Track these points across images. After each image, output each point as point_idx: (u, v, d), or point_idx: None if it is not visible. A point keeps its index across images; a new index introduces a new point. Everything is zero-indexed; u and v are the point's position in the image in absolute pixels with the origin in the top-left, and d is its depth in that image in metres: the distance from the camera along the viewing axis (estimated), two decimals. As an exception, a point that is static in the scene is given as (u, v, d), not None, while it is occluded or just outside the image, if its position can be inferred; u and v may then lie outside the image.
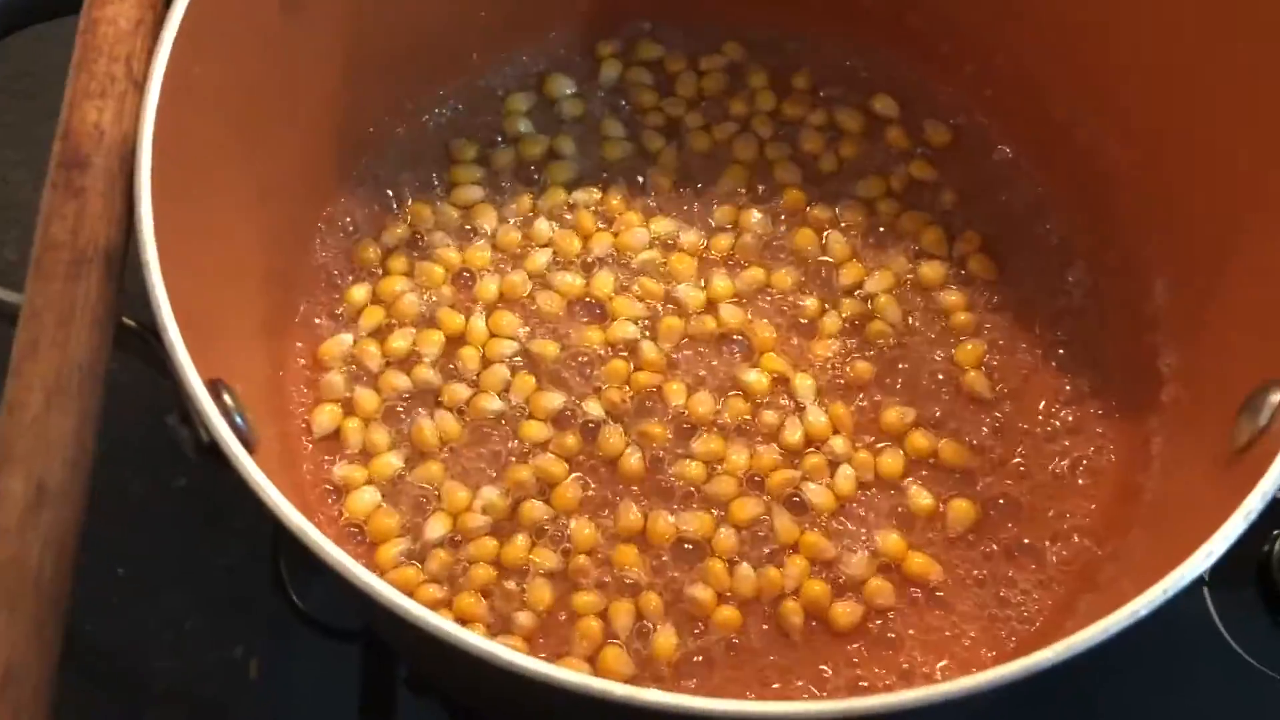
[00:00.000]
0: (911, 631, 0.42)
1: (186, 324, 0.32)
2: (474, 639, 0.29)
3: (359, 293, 0.48)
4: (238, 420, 0.32)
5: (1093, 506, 0.44)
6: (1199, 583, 0.47)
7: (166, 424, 0.33)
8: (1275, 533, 0.48)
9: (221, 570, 0.48)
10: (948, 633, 0.42)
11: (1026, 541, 0.44)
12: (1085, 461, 0.45)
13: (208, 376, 0.32)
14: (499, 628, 0.42)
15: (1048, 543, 0.44)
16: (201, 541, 0.49)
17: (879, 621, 0.43)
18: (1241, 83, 0.39)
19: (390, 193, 0.50)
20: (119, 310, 0.32)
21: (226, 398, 0.33)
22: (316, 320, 0.47)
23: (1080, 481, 0.45)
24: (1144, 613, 0.30)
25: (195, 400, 0.31)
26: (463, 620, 0.42)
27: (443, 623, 0.29)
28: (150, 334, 0.32)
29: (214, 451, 0.31)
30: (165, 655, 0.47)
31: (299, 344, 0.47)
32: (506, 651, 0.29)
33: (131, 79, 0.34)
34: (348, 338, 0.47)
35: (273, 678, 0.47)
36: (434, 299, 0.48)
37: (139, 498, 0.50)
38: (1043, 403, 0.46)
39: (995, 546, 0.44)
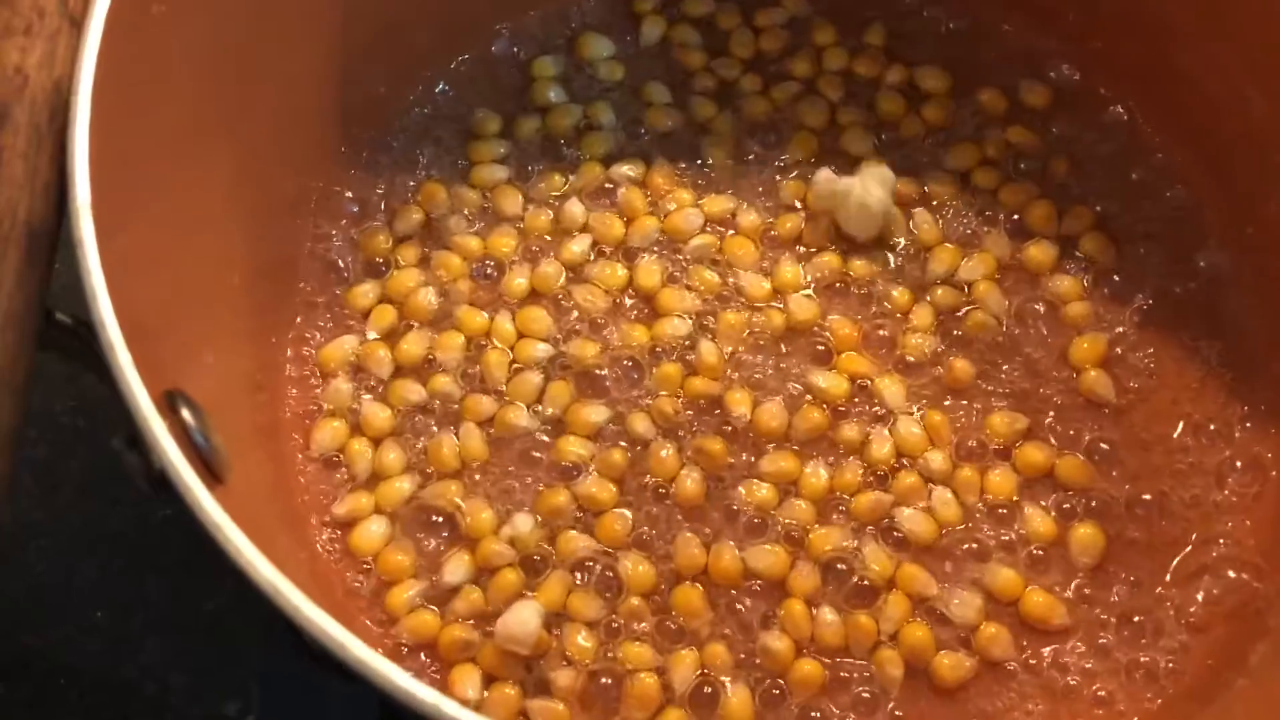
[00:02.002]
0: (1033, 688, 0.37)
1: (135, 321, 0.27)
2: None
3: (365, 288, 0.43)
4: (199, 440, 0.26)
5: (1248, 530, 0.39)
6: None
7: (113, 447, 0.27)
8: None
9: (209, 615, 0.44)
10: (1076, 689, 0.37)
11: (1168, 576, 0.39)
12: (1235, 477, 0.41)
13: (161, 387, 0.26)
14: (535, 689, 0.37)
15: (1195, 576, 0.39)
16: (187, 582, 0.45)
17: (993, 675, 0.37)
18: None
19: (401, 172, 0.45)
20: (45, 302, 0.26)
21: (185, 413, 0.26)
22: (316, 320, 0.43)
23: (1231, 501, 0.40)
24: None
25: (140, 415, 0.24)
26: (492, 677, 0.37)
27: (458, 710, 0.23)
28: (88, 332, 0.25)
29: (164, 483, 0.24)
30: (149, 713, 0.44)
31: (295, 348, 0.42)
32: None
33: (67, 14, 0.28)
34: (353, 340, 0.42)
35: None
36: (452, 295, 0.43)
37: (117, 532, 0.46)
38: (1179, 405, 0.42)
39: (1131, 581, 0.39)
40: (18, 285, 0.25)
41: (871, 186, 0.42)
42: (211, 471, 0.27)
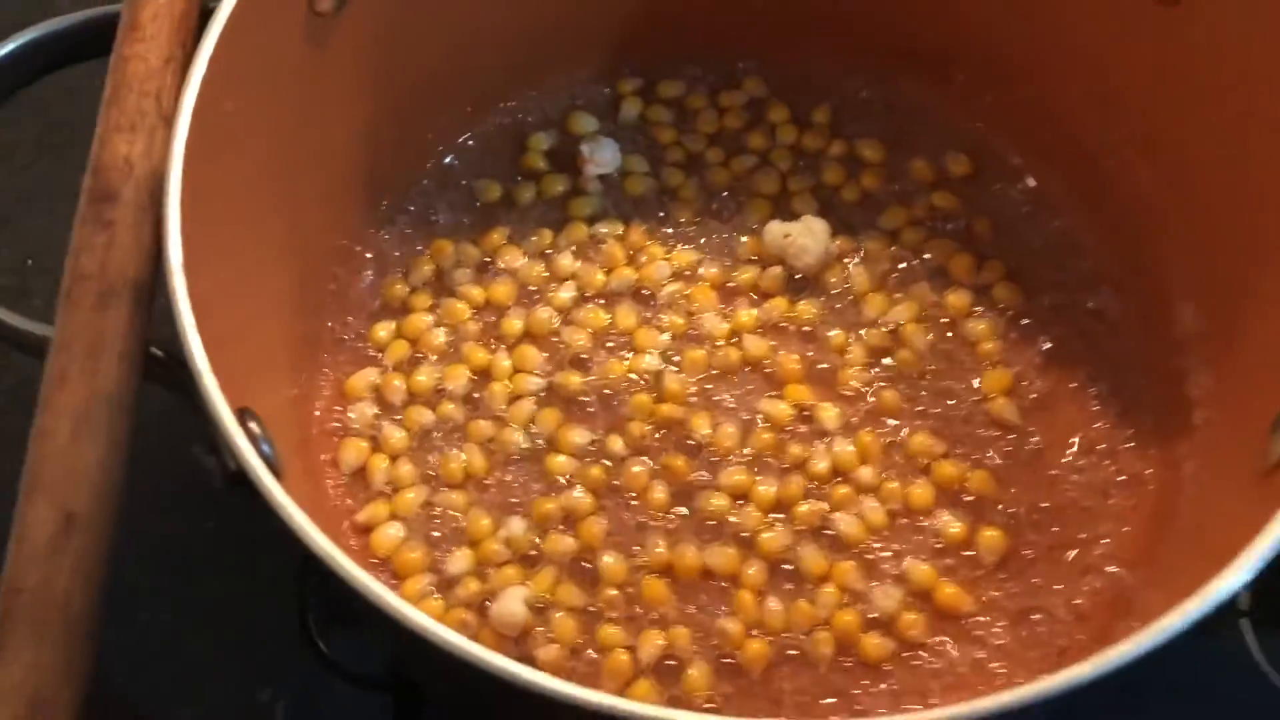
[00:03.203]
0: (944, 664, 0.42)
1: (214, 354, 0.32)
2: (499, 659, 0.29)
3: (385, 328, 0.48)
4: (264, 449, 0.32)
5: (1126, 532, 0.44)
6: (1238, 616, 0.47)
7: (194, 453, 0.33)
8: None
9: (246, 616, 0.48)
10: (981, 665, 0.42)
11: (1060, 570, 0.43)
12: (1117, 488, 0.45)
13: (236, 405, 0.32)
14: (525, 663, 0.41)
15: (1081, 572, 0.43)
16: (228, 586, 0.49)
17: (911, 654, 0.42)
18: (1268, 102, 0.39)
19: (416, 230, 0.50)
20: (147, 341, 0.32)
21: (253, 426, 0.33)
22: (344, 354, 0.48)
23: (1113, 508, 0.44)
24: (1177, 628, 0.29)
25: (223, 427, 0.31)
26: None
27: (471, 645, 0.29)
28: (178, 364, 0.32)
29: (241, 480, 0.31)
30: (188, 701, 0.47)
31: (326, 378, 0.47)
32: (530, 672, 0.29)
33: (161, 114, 0.34)
34: (374, 372, 0.47)
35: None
36: (460, 333, 0.48)
37: (167, 540, 0.49)
38: (1073, 429, 0.46)
39: (1028, 576, 0.43)
40: (128, 328, 0.31)
41: (812, 226, 0.48)
42: (275, 472, 0.33)
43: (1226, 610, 0.46)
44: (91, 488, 0.29)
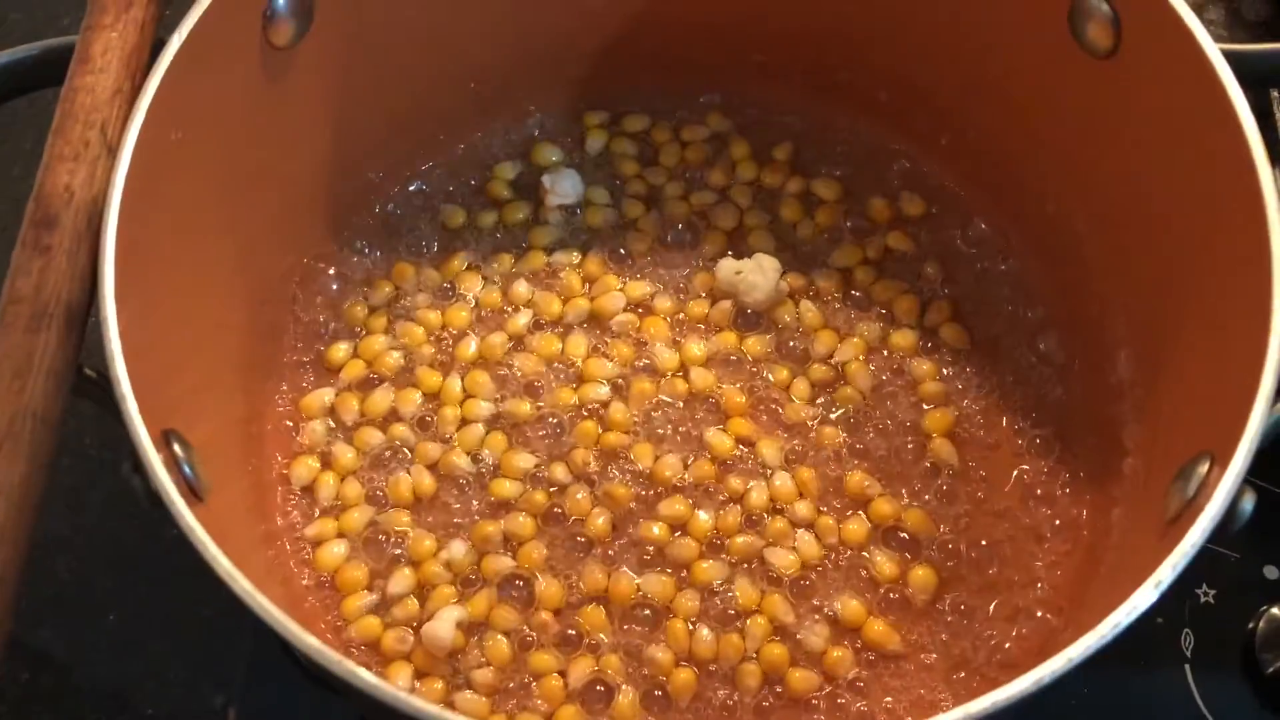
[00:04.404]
0: (867, 702, 0.42)
1: (142, 376, 0.33)
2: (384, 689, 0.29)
3: (342, 349, 0.49)
4: (185, 471, 0.33)
5: (1057, 577, 0.44)
6: (1182, 662, 0.47)
7: (124, 472, 0.34)
8: (1261, 609, 0.47)
9: (204, 620, 0.49)
10: (905, 702, 0.42)
11: (989, 613, 0.44)
12: (1051, 532, 0.45)
13: (161, 427, 0.34)
14: (459, 684, 0.43)
15: (1010, 616, 0.44)
16: (188, 591, 0.47)
17: (834, 689, 0.43)
18: (1191, 153, 0.39)
19: (378, 253, 0.51)
20: (78, 362, 0.34)
21: (177, 448, 0.34)
22: (300, 374, 0.49)
23: (1045, 551, 0.45)
24: (1048, 680, 0.30)
25: (141, 448, 0.32)
26: (421, 674, 0.43)
27: (363, 675, 0.30)
28: (107, 383, 0.33)
29: (158, 500, 0.32)
30: (149, 703, 0.48)
31: (284, 395, 0.48)
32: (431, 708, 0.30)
33: (105, 144, 0.35)
34: (329, 392, 0.48)
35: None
36: (415, 357, 0.49)
37: (133, 546, 0.51)
38: (1010, 472, 0.46)
39: (959, 616, 0.44)
40: (58, 348, 0.33)
41: (764, 263, 0.49)
42: (195, 493, 0.34)
43: (1170, 655, 0.47)
44: (9, 502, 0.30)
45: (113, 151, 0.36)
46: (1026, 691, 0.29)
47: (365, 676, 0.30)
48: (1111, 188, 0.44)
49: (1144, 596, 0.30)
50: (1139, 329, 0.44)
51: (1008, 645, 0.43)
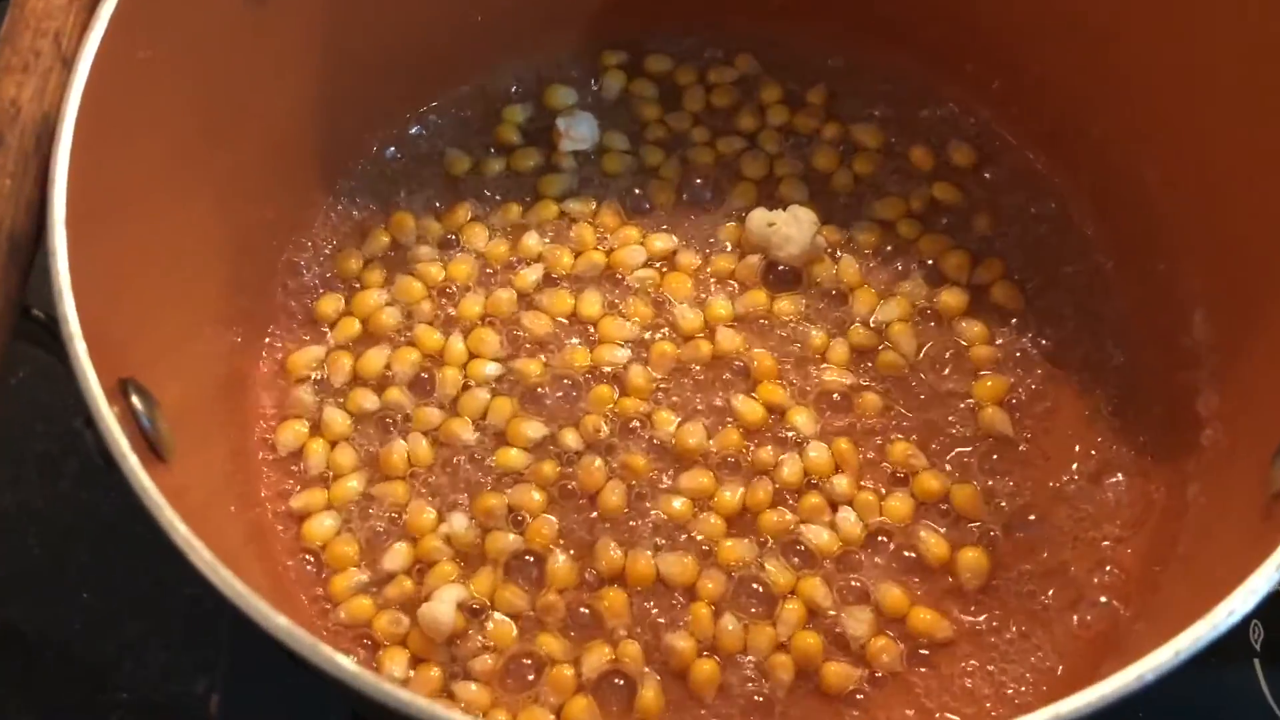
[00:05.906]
0: (912, 696, 0.39)
1: (99, 319, 0.30)
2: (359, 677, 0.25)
3: (334, 304, 0.46)
4: (144, 424, 0.29)
5: (1122, 560, 0.41)
6: (1250, 656, 0.44)
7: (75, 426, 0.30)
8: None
9: (186, 599, 0.46)
10: (953, 699, 0.39)
11: (1048, 598, 0.40)
12: (1115, 510, 0.42)
13: (119, 375, 0.30)
14: (458, 672, 0.39)
15: (1071, 602, 0.40)
16: (169, 569, 0.47)
17: (876, 684, 0.39)
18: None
19: (373, 202, 0.48)
20: (23, 301, 0.30)
21: (136, 400, 0.30)
22: (288, 330, 0.46)
23: (1109, 531, 0.41)
24: (1150, 678, 0.25)
25: (89, 397, 0.28)
26: (418, 660, 0.40)
27: (362, 673, 0.26)
28: (55, 325, 0.29)
29: (110, 458, 0.28)
30: (125, 686, 0.46)
31: (269, 354, 0.45)
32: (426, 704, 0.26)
33: (60, 55, 0.32)
34: (319, 351, 0.45)
35: (232, 714, 0.45)
36: (414, 314, 0.46)
37: (110, 519, 0.49)
38: (1070, 445, 0.43)
39: (1012, 604, 0.40)
40: (1, 284, 0.29)
41: (799, 215, 0.45)
42: (156, 452, 0.30)
43: (1238, 648, 0.43)
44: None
45: (68, 64, 0.32)
46: (1129, 688, 0.25)
47: (343, 663, 0.26)
48: (1192, 134, 0.40)
49: (1262, 579, 0.26)
50: (1218, 289, 0.40)
51: (1066, 632, 0.40)
